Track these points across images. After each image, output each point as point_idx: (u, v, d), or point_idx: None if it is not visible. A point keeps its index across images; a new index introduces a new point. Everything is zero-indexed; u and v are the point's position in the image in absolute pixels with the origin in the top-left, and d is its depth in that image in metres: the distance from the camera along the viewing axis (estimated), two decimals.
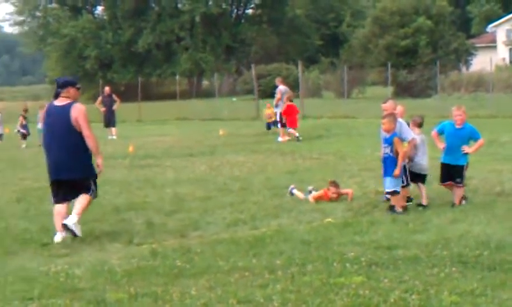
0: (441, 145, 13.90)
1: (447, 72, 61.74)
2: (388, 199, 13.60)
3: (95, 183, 11.99)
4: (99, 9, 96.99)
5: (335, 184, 14.79)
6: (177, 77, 66.47)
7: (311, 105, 46.30)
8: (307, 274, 8.72)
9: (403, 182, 13.46)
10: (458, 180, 13.65)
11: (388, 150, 13.16)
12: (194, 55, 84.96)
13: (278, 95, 30.08)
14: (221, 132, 32.12)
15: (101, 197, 15.66)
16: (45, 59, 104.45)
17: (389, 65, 51.15)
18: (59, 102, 11.85)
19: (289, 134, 29.05)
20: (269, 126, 32.73)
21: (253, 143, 27.98)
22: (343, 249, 9.98)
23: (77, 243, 11.35)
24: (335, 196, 14.59)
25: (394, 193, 13.08)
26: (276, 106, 30.11)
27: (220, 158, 23.09)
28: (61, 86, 11.93)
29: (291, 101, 29.61)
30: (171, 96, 64.12)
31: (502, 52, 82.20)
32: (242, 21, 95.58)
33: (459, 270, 8.69)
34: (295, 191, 15.11)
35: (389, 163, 13.13)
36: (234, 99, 65.69)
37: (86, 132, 11.64)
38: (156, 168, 21.17)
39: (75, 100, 11.91)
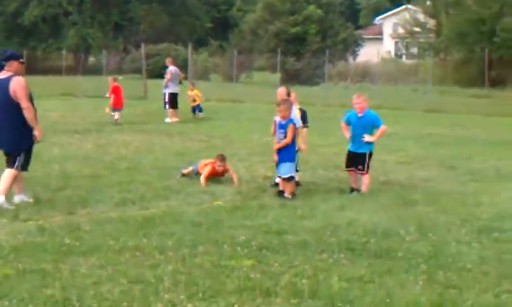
0: (348, 135, 14.16)
1: (334, 62, 62.64)
2: (277, 184, 13.74)
3: (26, 155, 12.24)
4: None
5: (222, 157, 14.85)
6: (63, 51, 65.32)
7: (199, 88, 46.14)
8: (198, 255, 8.73)
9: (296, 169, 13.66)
10: (360, 167, 13.90)
11: (283, 136, 13.25)
12: (82, 30, 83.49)
13: (167, 76, 29.88)
14: (107, 110, 31.70)
15: None
16: None
17: (279, 51, 51.48)
18: (1, 75, 12.04)
19: (177, 116, 28.96)
20: (193, 110, 31.10)
21: (140, 123, 27.73)
22: (233, 232, 10.03)
23: None
24: (220, 168, 14.65)
25: (290, 179, 13.21)
26: (166, 87, 29.88)
27: (107, 136, 22.80)
28: (5, 59, 12.19)
29: (116, 81, 29.50)
30: (57, 71, 62.86)
31: (388, 44, 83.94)
32: None
33: (347, 256, 8.85)
34: (184, 170, 15.10)
35: (285, 149, 13.23)
36: (120, 77, 64.94)
37: (23, 104, 11.84)
38: (41, 143, 20.59)
39: (17, 74, 12.06)
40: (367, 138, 13.89)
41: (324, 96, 41.39)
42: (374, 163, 17.55)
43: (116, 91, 28.67)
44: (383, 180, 15.39)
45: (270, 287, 7.52)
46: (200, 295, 7.28)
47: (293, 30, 68.00)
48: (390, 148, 20.70)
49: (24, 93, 11.88)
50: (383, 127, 14.16)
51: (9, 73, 12.01)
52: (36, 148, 19.26)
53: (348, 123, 14.20)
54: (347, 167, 14.18)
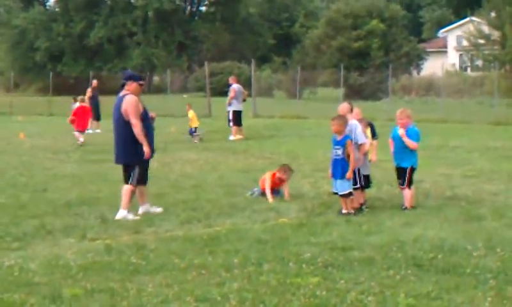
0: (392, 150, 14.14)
1: (398, 76, 62.27)
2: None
3: (140, 169, 13.13)
4: (51, 0, 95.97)
5: (288, 167, 14.93)
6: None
7: (262, 105, 46.35)
8: (264, 273, 8.73)
9: (356, 184, 13.55)
10: (400, 181, 13.79)
11: (340, 152, 13.18)
12: (146, 50, 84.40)
13: (231, 93, 30.02)
14: (172, 129, 31.93)
15: (52, 191, 15.64)
16: None
17: (342, 66, 51.34)
18: (121, 93, 13.24)
19: (241, 133, 29.07)
20: (191, 132, 29.02)
21: (204, 141, 27.89)
22: (299, 249, 10.01)
23: (29, 237, 11.25)
24: (284, 177, 14.76)
25: (348, 195, 13.15)
26: (229, 104, 30.03)
27: (171, 155, 22.98)
28: (126, 78, 13.44)
29: (80, 101, 29.74)
30: None
31: (452, 57, 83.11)
32: (196, 18, 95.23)
33: (414, 272, 8.76)
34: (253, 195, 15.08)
35: (341, 165, 13.17)
36: (185, 96, 65.49)
37: (132, 121, 12.90)
38: (108, 163, 20.93)
39: (134, 94, 13.16)
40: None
41: (388, 110, 41.11)
42: (439, 177, 17.49)
43: (79, 112, 28.26)
44: (449, 194, 15.20)
45: (336, 304, 7.49)
46: None
47: (356, 45, 67.84)
48: (456, 162, 20.48)
49: (133, 111, 12.88)
50: (414, 144, 13.89)
51: (127, 92, 13.13)
52: (102, 168, 19.64)
53: (392, 138, 14.12)
54: (399, 184, 14.10)
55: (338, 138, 13.23)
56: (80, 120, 27.73)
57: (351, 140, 13.22)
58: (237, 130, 29.22)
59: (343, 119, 13.44)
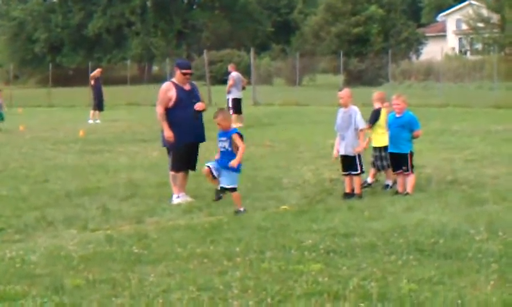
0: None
1: (397, 61, 62.20)
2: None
3: (174, 155, 13.60)
4: None
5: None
6: (128, 61, 66.00)
7: (262, 92, 46.34)
8: (266, 260, 8.71)
9: (357, 170, 13.55)
10: (404, 167, 13.74)
11: (226, 145, 12.61)
12: (145, 40, 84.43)
13: (230, 81, 30.00)
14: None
15: (53, 182, 15.63)
16: None
17: (341, 53, 51.24)
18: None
19: (241, 121, 29.04)
20: None
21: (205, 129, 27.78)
22: (300, 236, 9.98)
23: (31, 229, 11.26)
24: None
25: (232, 190, 12.50)
26: (229, 92, 30.02)
27: None
28: (175, 66, 13.97)
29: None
30: (122, 81, 63.61)
31: (451, 41, 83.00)
32: (194, 6, 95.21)
33: (416, 257, 8.73)
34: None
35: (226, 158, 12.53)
36: None
37: (156, 107, 13.61)
38: (108, 153, 21.02)
39: (178, 82, 13.60)
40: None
41: (388, 96, 41.07)
42: (441, 162, 17.47)
43: None
44: (450, 179, 15.18)
45: (338, 291, 7.46)
46: (269, 300, 7.26)
47: (355, 31, 67.76)
48: (457, 146, 20.47)
49: (159, 97, 13.49)
50: (419, 131, 13.91)
51: (172, 80, 13.73)
52: (103, 158, 19.63)
53: (388, 125, 14.07)
54: (394, 170, 14.04)
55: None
56: None
57: (237, 133, 12.70)
58: (237, 118, 29.17)
59: (227, 114, 13.46)
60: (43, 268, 8.66)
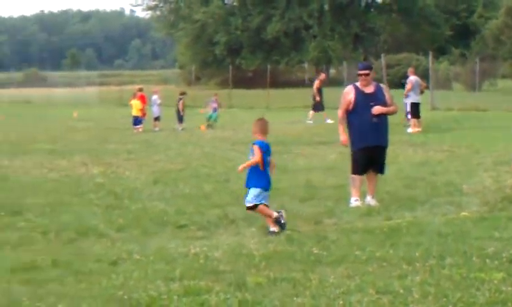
0: None
1: None
2: None
3: (353, 158, 13.61)
4: None
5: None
6: (306, 64, 66.50)
7: (440, 97, 45.60)
8: (446, 267, 8.62)
9: None
10: None
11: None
12: (322, 43, 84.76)
13: (408, 85, 29.74)
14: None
15: (234, 182, 16.00)
16: (175, 44, 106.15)
17: None
18: None
19: (420, 125, 28.73)
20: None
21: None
22: (481, 243, 9.80)
23: (213, 226, 11.60)
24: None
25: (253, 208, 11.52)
26: (406, 97, 29.78)
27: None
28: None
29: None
30: (299, 83, 64.22)
31: None
32: (371, 10, 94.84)
33: None
34: None
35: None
36: None
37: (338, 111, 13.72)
38: (286, 155, 21.26)
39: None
40: None
41: None
42: None
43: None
44: None
45: None
46: None
47: None
48: None
49: (341, 100, 13.52)
50: None
51: (355, 83, 13.67)
52: (280, 160, 19.88)
53: None
54: None
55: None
56: None
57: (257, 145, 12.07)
58: (416, 123, 28.91)
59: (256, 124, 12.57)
60: (226, 265, 8.93)
